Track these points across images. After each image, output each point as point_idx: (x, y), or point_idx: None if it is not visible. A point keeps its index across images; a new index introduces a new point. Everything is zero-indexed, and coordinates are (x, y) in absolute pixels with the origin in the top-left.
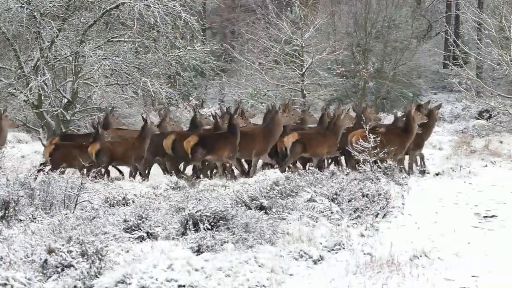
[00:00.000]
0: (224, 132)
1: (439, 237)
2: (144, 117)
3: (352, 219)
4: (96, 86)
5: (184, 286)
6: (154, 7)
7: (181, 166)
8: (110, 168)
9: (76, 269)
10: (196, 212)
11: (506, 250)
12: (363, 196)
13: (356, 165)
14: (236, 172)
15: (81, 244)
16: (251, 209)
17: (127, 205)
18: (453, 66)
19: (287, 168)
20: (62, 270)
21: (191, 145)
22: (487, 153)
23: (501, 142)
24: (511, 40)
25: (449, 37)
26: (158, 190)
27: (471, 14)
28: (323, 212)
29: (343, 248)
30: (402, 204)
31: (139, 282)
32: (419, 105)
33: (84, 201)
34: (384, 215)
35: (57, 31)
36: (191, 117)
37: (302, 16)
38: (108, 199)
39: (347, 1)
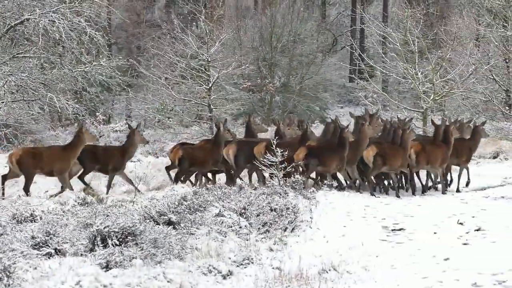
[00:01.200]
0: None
1: (348, 250)
2: (218, 124)
3: (261, 234)
4: (2, 102)
5: None
6: (59, 23)
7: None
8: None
9: None
10: (104, 228)
11: (413, 263)
12: (271, 210)
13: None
14: None
15: None
16: (159, 224)
17: (34, 221)
18: (359, 79)
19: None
20: None
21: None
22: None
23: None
24: (416, 53)
25: (354, 51)
26: (66, 206)
27: (376, 28)
28: (231, 226)
29: (252, 263)
30: (311, 218)
31: None
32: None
33: None
34: (293, 229)
35: None
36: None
37: (207, 31)
38: (16, 216)
39: (252, 15)
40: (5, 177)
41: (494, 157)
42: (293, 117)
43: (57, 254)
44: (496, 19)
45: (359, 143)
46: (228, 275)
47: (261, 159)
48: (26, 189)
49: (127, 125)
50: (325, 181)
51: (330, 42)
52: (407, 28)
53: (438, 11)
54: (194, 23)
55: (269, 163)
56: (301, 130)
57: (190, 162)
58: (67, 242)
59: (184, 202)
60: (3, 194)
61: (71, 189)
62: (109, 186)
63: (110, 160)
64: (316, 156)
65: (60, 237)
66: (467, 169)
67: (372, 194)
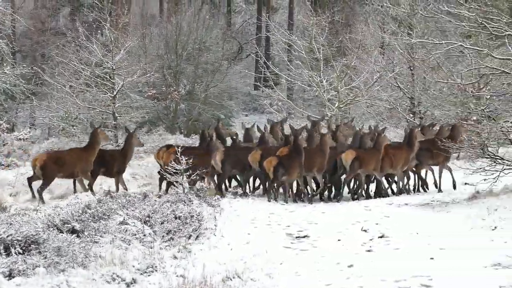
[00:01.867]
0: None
1: (252, 258)
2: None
3: (165, 241)
4: None
5: None
6: None
7: None
8: None
9: None
10: (7, 236)
11: (317, 270)
12: (175, 218)
13: None
14: None
15: None
16: (63, 232)
17: None
18: (264, 87)
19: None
20: None
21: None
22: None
23: None
24: (321, 61)
25: (259, 59)
26: None
27: (281, 36)
28: (135, 234)
29: (156, 271)
30: (215, 225)
31: None
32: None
33: None
34: (197, 236)
35: None
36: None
37: (112, 39)
38: None
39: (157, 23)
40: (31, 179)
41: None
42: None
43: None
44: (401, 27)
45: (323, 151)
46: (132, 283)
47: (166, 166)
48: (41, 191)
49: (125, 129)
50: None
51: (235, 50)
52: (312, 36)
53: (343, 19)
54: (99, 31)
55: (174, 171)
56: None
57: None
58: None
59: (88, 210)
60: (33, 195)
61: (87, 190)
62: (118, 186)
63: (115, 163)
64: (284, 165)
65: None
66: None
67: (353, 199)
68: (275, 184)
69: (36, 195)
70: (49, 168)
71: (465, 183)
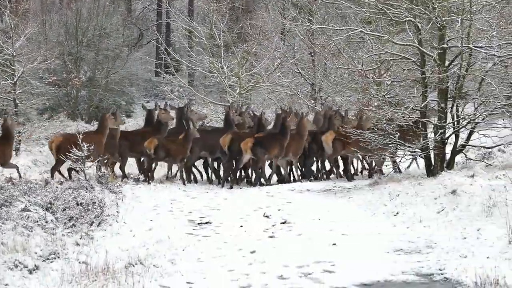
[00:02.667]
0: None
1: (154, 244)
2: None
3: (67, 228)
4: None
5: None
6: None
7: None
8: None
9: None
10: None
11: (220, 256)
12: (77, 204)
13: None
14: None
15: None
16: None
17: None
18: (165, 74)
19: None
20: None
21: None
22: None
23: None
24: (222, 47)
25: (160, 45)
26: None
27: (181, 22)
28: (37, 221)
29: (58, 257)
30: (117, 212)
31: None
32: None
33: None
34: (99, 223)
35: None
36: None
37: (12, 26)
38: None
39: (57, 10)
40: None
41: None
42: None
43: None
44: (301, 13)
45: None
46: (34, 270)
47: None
48: (53, 171)
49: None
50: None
51: (136, 36)
52: (213, 22)
53: (243, 5)
54: None
55: (75, 157)
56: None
57: None
58: None
59: None
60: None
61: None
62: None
63: None
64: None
65: None
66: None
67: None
68: (259, 165)
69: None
70: (64, 149)
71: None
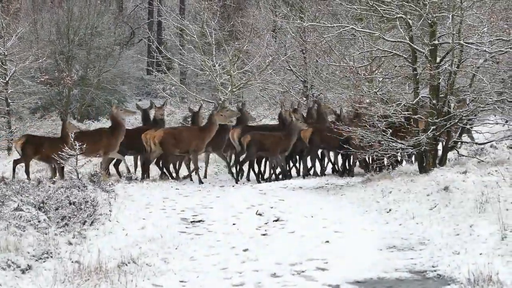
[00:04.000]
0: None
1: (147, 243)
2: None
3: (60, 228)
4: None
5: None
6: None
7: None
8: None
9: None
10: None
11: (213, 254)
12: (70, 204)
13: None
14: None
15: None
16: None
17: None
18: (156, 72)
19: None
20: None
21: None
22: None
23: None
24: (213, 45)
25: (152, 44)
26: None
27: (173, 21)
28: (30, 221)
29: (51, 257)
30: (110, 211)
31: None
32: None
33: None
34: (92, 222)
35: None
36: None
37: (4, 25)
38: None
39: (49, 9)
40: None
41: None
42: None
43: None
44: (292, 10)
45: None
46: (27, 270)
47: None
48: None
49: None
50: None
51: (127, 35)
52: (204, 20)
53: (235, 3)
54: None
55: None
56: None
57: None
58: None
59: None
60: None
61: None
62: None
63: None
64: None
65: None
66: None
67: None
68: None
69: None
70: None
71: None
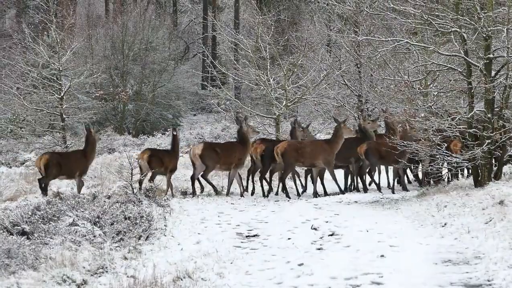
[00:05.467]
0: None
1: (202, 257)
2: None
3: (115, 242)
4: None
5: None
6: None
7: None
8: None
9: None
10: None
11: (268, 269)
12: (125, 218)
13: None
14: None
15: None
16: (13, 234)
17: None
18: (211, 87)
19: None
20: None
21: None
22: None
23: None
24: (267, 60)
25: (206, 58)
26: None
27: (227, 35)
28: (85, 236)
29: (107, 272)
30: (165, 225)
31: None
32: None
33: None
34: (147, 237)
35: None
36: None
37: (58, 40)
38: None
39: (103, 24)
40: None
41: None
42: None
43: None
44: (347, 25)
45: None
46: (82, 284)
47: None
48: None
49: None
50: None
51: (182, 49)
52: (259, 34)
53: (289, 17)
54: (45, 32)
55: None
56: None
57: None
58: None
59: (38, 212)
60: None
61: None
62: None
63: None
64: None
65: None
66: None
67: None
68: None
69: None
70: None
71: (415, 180)
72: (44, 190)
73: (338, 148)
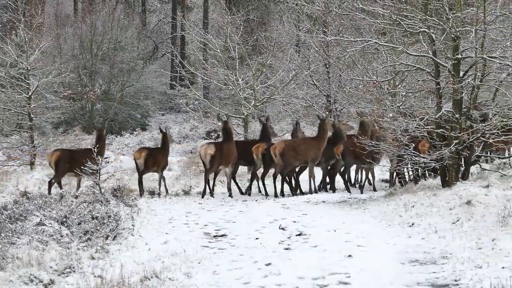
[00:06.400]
0: None
1: (170, 257)
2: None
3: (82, 242)
4: None
5: None
6: None
7: None
8: None
9: None
10: None
11: (235, 269)
12: (92, 218)
13: None
14: None
15: None
16: None
17: None
18: (180, 86)
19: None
20: None
21: None
22: None
23: None
24: (236, 60)
25: (175, 58)
26: None
27: (196, 35)
28: (52, 235)
29: (74, 271)
30: (132, 225)
31: None
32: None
33: None
34: (115, 237)
35: None
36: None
37: (27, 40)
38: None
39: (72, 23)
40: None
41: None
42: None
43: None
44: (316, 25)
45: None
46: (49, 284)
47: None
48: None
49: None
50: None
51: (150, 49)
52: (228, 34)
53: (258, 17)
54: (13, 32)
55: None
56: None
57: None
58: None
59: (5, 212)
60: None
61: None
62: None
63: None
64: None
65: None
66: None
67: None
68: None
69: None
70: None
71: (382, 180)
72: (49, 188)
73: (325, 145)
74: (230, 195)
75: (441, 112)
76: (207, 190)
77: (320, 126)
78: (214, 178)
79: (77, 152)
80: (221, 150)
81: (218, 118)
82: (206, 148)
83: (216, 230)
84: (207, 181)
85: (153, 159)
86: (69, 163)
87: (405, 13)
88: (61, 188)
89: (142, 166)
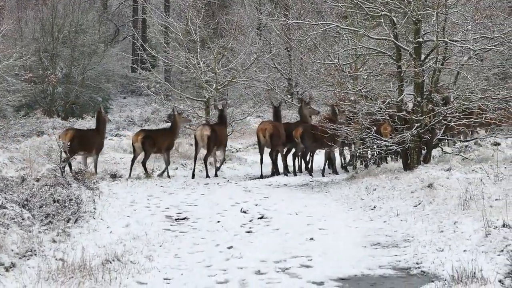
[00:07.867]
0: None
1: (131, 240)
2: None
3: (44, 225)
4: None
5: None
6: None
7: None
8: None
9: None
10: None
11: (197, 252)
12: (54, 201)
13: None
14: None
15: None
16: None
17: None
18: (141, 70)
19: None
20: None
21: None
22: (177, 156)
23: (191, 145)
24: (198, 43)
25: (136, 41)
26: None
27: (157, 18)
28: (14, 218)
29: (35, 255)
30: (94, 208)
31: None
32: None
33: None
34: (76, 220)
35: None
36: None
37: None
38: None
39: (33, 6)
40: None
41: None
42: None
43: None
44: (277, 8)
45: None
46: (11, 267)
47: None
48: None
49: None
50: None
51: (112, 32)
52: (189, 17)
53: (219, 1)
54: None
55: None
56: None
57: None
58: None
59: None
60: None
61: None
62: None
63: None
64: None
65: None
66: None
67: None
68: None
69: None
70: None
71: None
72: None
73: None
74: (216, 175)
75: (403, 95)
76: (213, 172)
77: (300, 109)
78: (195, 160)
79: (84, 132)
80: (215, 132)
81: (215, 107)
82: (202, 129)
83: (177, 213)
84: (206, 164)
85: (152, 142)
86: (80, 141)
87: None
88: (70, 169)
89: (140, 149)
